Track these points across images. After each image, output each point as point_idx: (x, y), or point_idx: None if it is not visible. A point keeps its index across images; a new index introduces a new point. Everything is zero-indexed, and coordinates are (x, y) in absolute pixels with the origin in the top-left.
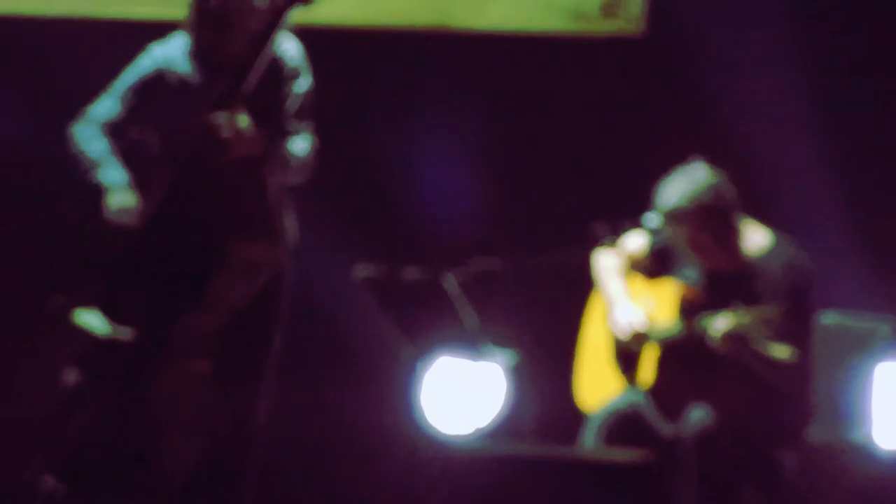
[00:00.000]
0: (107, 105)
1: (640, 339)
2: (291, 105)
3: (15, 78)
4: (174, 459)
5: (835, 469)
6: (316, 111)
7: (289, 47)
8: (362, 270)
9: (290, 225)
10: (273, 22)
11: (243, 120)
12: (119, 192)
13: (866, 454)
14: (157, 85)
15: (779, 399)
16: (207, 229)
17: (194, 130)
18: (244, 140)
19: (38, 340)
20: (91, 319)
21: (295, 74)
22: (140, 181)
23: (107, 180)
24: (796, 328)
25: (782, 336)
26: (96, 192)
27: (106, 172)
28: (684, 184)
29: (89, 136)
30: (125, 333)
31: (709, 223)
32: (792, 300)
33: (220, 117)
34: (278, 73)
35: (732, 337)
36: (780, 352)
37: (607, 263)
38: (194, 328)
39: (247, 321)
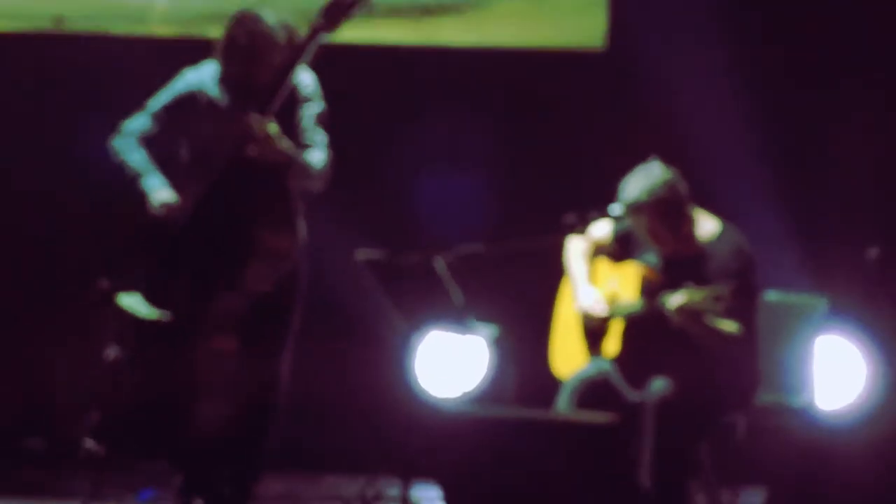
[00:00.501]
0: (141, 121)
1: (596, 318)
2: (308, 125)
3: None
4: (206, 422)
5: (780, 429)
6: (329, 128)
7: (304, 77)
8: (363, 254)
9: (303, 225)
10: (296, 55)
11: (273, 127)
12: (160, 191)
13: (808, 416)
14: (187, 104)
15: (730, 368)
16: (239, 223)
17: (234, 131)
18: (273, 143)
19: (86, 319)
20: (132, 302)
21: (313, 97)
22: (172, 185)
23: (148, 185)
24: (743, 304)
25: (731, 312)
26: (138, 194)
27: (147, 179)
28: (643, 180)
29: (128, 147)
30: (162, 314)
31: (664, 213)
32: (739, 280)
33: (255, 118)
34: (296, 100)
35: (686, 311)
36: (729, 326)
37: (575, 249)
38: (225, 308)
39: (270, 303)
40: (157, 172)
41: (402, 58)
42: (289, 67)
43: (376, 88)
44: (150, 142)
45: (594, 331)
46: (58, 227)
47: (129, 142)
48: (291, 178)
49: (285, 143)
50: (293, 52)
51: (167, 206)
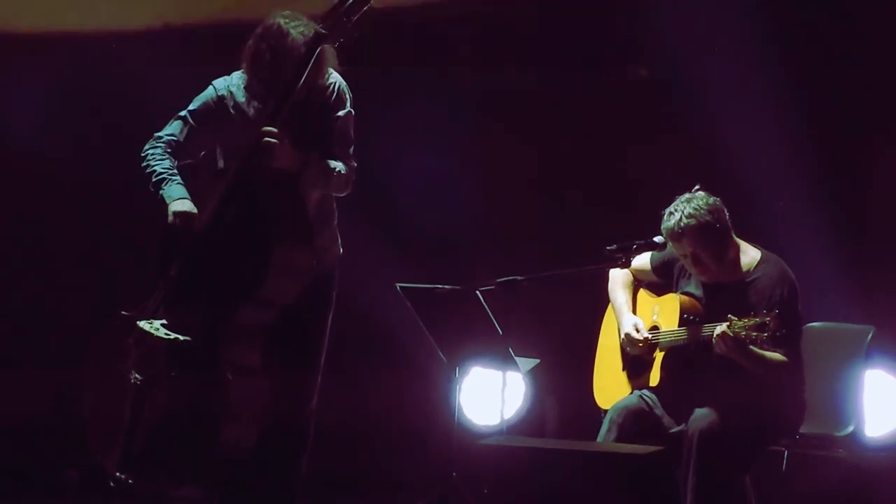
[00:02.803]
0: (173, 128)
1: (638, 347)
2: (335, 129)
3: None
4: (234, 443)
5: (825, 459)
6: (356, 135)
7: (334, 81)
8: (402, 286)
9: (334, 238)
10: (306, 57)
11: (281, 134)
12: (178, 201)
13: (853, 445)
14: (217, 111)
15: (775, 397)
16: (254, 236)
17: (249, 141)
18: (286, 151)
19: (109, 347)
20: (152, 326)
21: (338, 104)
22: (203, 193)
23: (167, 194)
24: (787, 333)
25: (775, 340)
26: (159, 209)
27: (168, 188)
28: (687, 206)
29: (155, 155)
30: (182, 337)
31: (707, 239)
32: (782, 308)
33: (267, 129)
34: (326, 103)
35: (730, 340)
36: (774, 354)
37: (617, 280)
38: (245, 323)
39: (298, 319)
40: (179, 182)
41: (444, 81)
42: (296, 76)
43: (419, 113)
44: (181, 148)
45: (636, 361)
46: (91, 253)
47: (157, 150)
48: (307, 183)
49: (296, 152)
50: (298, 62)
51: (181, 216)
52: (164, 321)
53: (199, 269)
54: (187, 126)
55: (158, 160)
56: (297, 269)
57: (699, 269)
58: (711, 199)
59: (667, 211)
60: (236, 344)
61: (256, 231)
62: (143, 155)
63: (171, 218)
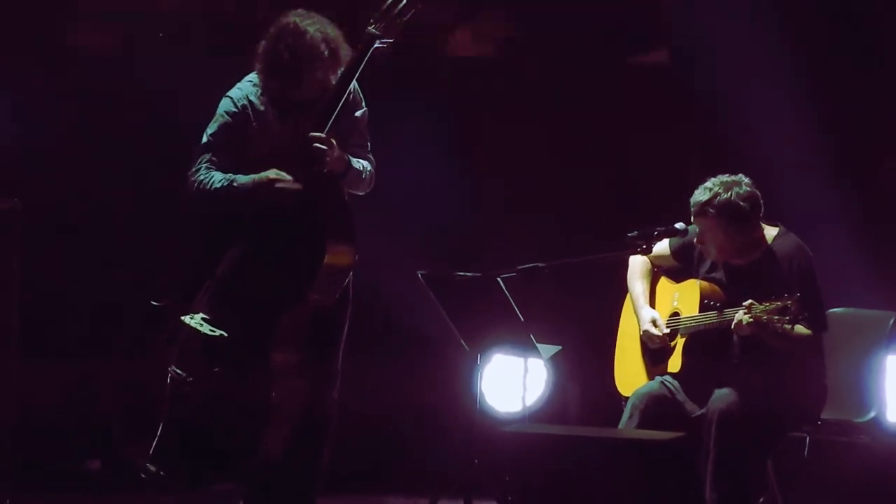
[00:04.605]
0: (202, 158)
1: (654, 339)
2: (355, 128)
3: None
4: (271, 445)
5: (847, 444)
6: (371, 133)
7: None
8: (424, 273)
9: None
10: (358, 61)
11: (333, 140)
12: (264, 173)
13: (875, 431)
14: (238, 126)
15: (796, 382)
16: (302, 238)
17: (300, 143)
18: (336, 154)
19: (150, 341)
20: (194, 321)
21: (355, 105)
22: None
23: (243, 181)
24: (811, 310)
25: (799, 320)
26: (239, 199)
27: (240, 181)
28: (714, 185)
29: (204, 177)
30: (226, 333)
31: (732, 218)
32: (803, 286)
33: (316, 135)
34: (345, 104)
35: (753, 326)
36: (799, 329)
37: (636, 268)
38: (288, 324)
39: (324, 319)
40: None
41: (463, 71)
42: (347, 80)
43: (436, 100)
44: (221, 170)
45: (656, 349)
46: (116, 245)
47: (201, 174)
48: (345, 185)
49: (343, 153)
50: (351, 64)
51: (278, 179)
52: (205, 315)
53: (249, 268)
54: (213, 151)
55: (210, 177)
56: (343, 267)
57: (720, 249)
58: (752, 189)
59: (703, 185)
60: (281, 343)
61: (306, 232)
62: (193, 195)
63: (268, 189)
